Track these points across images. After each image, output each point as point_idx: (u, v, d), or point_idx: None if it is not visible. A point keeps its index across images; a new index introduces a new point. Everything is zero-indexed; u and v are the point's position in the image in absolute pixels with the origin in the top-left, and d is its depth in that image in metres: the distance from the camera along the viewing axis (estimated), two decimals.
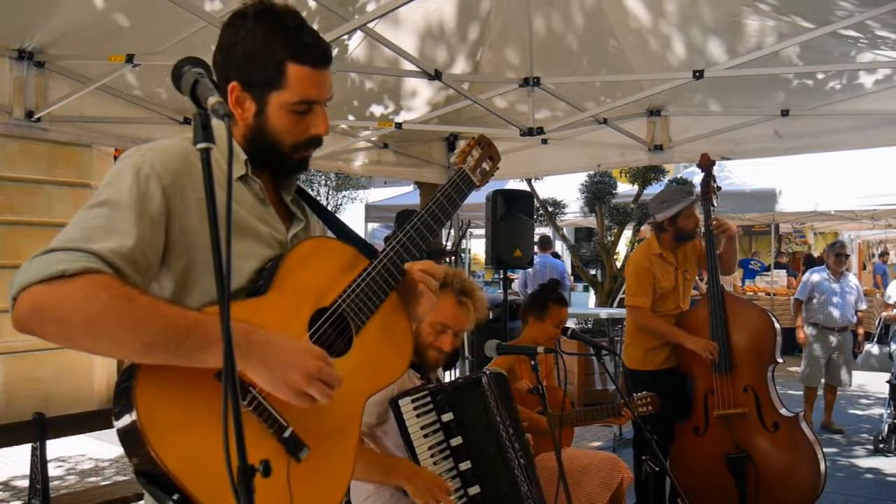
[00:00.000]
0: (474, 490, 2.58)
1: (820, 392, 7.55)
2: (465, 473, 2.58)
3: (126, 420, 1.32)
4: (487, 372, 2.83)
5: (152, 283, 1.46)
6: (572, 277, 13.54)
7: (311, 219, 1.74)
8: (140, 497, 4.05)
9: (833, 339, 7.28)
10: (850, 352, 7.40)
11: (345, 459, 1.58)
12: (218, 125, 1.18)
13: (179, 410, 1.34)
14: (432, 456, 2.58)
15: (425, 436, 2.59)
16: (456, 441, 2.60)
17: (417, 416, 2.59)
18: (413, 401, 2.59)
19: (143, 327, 1.28)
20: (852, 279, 7.54)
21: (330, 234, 1.81)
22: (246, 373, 1.37)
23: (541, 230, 12.04)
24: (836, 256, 7.44)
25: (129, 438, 1.32)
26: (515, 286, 11.21)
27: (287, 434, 1.44)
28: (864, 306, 7.68)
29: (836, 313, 7.26)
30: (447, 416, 2.61)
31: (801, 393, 7.53)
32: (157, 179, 1.41)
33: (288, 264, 1.53)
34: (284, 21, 1.51)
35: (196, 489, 1.29)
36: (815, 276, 7.45)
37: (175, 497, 1.30)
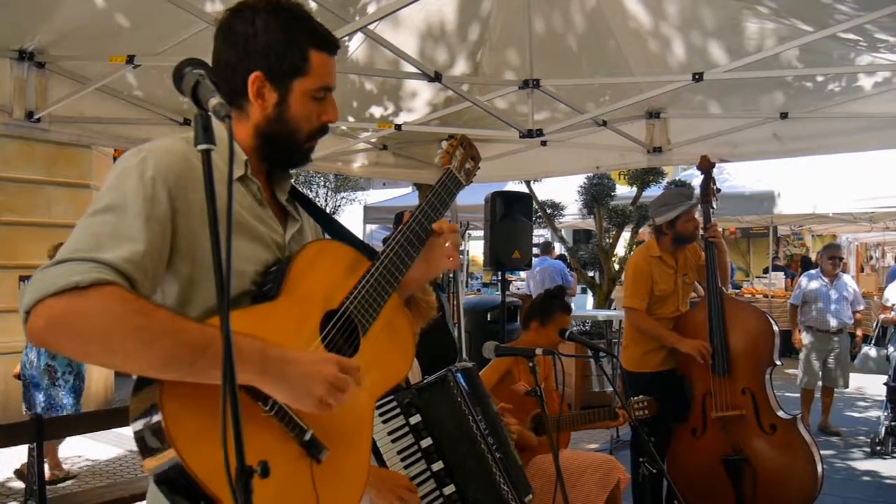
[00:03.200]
0: (449, 489, 2.57)
1: (817, 395, 7.56)
2: (439, 474, 2.57)
3: (150, 428, 1.30)
4: (453, 369, 2.82)
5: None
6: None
7: (304, 219, 1.74)
8: (137, 498, 4.05)
9: (829, 343, 7.30)
10: (846, 354, 7.41)
11: (361, 458, 1.62)
12: (216, 125, 1.18)
13: (203, 416, 1.31)
14: (403, 460, 2.57)
15: (394, 440, 2.58)
16: (426, 442, 2.59)
17: (384, 421, 2.59)
18: (378, 406, 2.57)
19: (159, 343, 1.26)
20: (848, 281, 7.54)
21: (325, 234, 1.82)
22: (264, 390, 1.37)
23: (539, 232, 12.04)
24: (831, 259, 7.44)
25: (153, 446, 1.30)
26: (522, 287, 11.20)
27: (308, 437, 1.46)
28: (861, 307, 7.69)
29: (831, 317, 7.27)
30: (415, 419, 2.60)
31: (799, 395, 7.54)
32: (162, 181, 1.39)
33: (296, 268, 1.53)
34: (299, 12, 1.56)
35: (223, 493, 1.27)
36: (812, 282, 7.45)
37: None
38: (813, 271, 7.75)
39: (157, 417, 1.28)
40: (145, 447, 1.33)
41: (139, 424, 1.33)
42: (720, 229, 4.51)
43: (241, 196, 1.54)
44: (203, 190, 1.14)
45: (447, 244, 1.78)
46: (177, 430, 1.27)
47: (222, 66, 1.55)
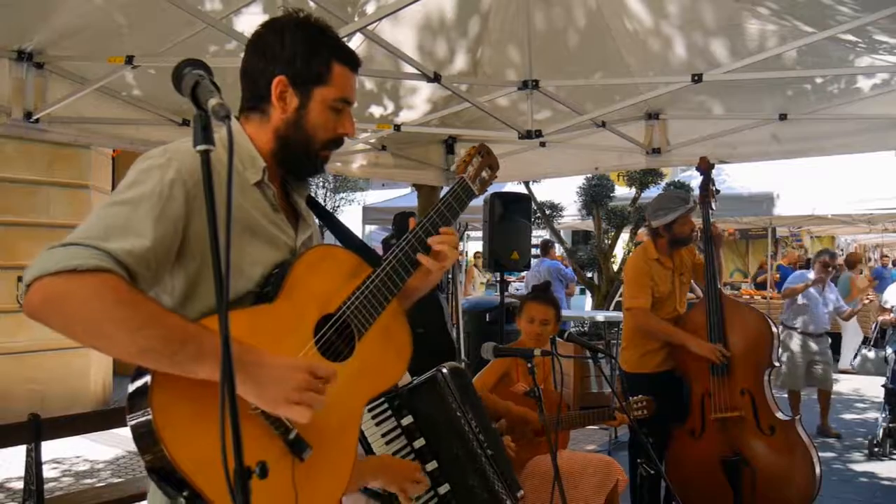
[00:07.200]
0: (444, 489, 2.57)
1: (814, 396, 7.57)
2: (433, 474, 2.57)
3: (141, 419, 1.37)
4: (442, 369, 2.82)
5: (165, 280, 1.51)
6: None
7: (314, 226, 1.79)
8: (135, 499, 4.05)
9: (813, 346, 7.32)
10: (830, 355, 7.44)
11: (345, 458, 1.65)
12: (236, 130, 1.20)
13: (193, 410, 1.39)
14: None
15: (387, 443, 2.57)
16: (419, 443, 2.59)
17: (376, 424, 2.59)
18: (370, 409, 2.57)
19: (141, 333, 1.33)
20: (833, 288, 7.59)
21: (333, 239, 1.84)
22: (238, 392, 1.39)
23: (538, 233, 12.02)
24: (825, 266, 7.44)
25: (143, 437, 1.37)
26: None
27: (292, 436, 1.50)
28: (844, 310, 7.97)
29: (815, 320, 7.32)
30: (406, 420, 2.60)
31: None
32: (182, 184, 1.46)
33: (296, 271, 1.59)
34: (326, 29, 1.67)
35: (206, 487, 1.34)
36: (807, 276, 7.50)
37: (185, 494, 1.36)
38: (808, 272, 7.74)
39: (147, 410, 1.35)
40: (138, 439, 1.39)
41: (132, 418, 1.40)
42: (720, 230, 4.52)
43: (257, 199, 1.61)
44: (223, 193, 1.20)
45: (440, 249, 1.80)
46: (164, 422, 1.35)
47: (249, 72, 1.65)
